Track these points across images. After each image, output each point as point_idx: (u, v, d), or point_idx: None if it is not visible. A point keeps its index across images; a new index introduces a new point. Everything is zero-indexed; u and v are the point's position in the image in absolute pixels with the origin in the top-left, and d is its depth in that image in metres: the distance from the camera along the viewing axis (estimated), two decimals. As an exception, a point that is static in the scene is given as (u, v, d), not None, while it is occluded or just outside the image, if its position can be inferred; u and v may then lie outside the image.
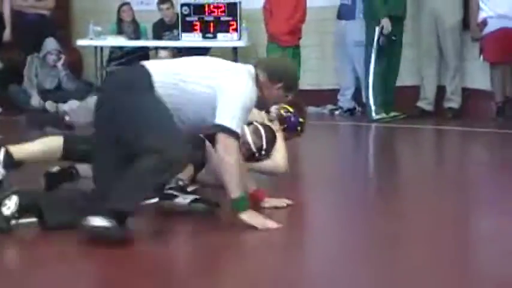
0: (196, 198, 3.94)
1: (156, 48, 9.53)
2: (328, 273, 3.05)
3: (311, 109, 8.42)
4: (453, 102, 8.55)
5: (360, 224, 3.92)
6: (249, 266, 3.17)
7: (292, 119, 4.58)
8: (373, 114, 8.20)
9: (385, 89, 8.25)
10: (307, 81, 8.93)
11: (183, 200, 3.92)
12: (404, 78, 8.74)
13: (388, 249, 3.37)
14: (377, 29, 8.08)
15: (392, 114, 8.39)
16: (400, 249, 3.38)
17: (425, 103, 8.60)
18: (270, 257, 3.29)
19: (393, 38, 8.02)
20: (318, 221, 4.08)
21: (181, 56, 8.94)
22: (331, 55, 9.50)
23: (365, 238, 3.59)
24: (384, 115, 8.20)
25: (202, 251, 3.35)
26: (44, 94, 9.10)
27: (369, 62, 8.19)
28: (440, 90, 8.64)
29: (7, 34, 9.42)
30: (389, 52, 8.17)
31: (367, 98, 8.28)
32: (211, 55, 9.74)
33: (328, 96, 9.15)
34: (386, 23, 8.01)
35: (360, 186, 4.87)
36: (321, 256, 3.32)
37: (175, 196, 3.91)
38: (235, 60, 9.33)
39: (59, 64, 9.20)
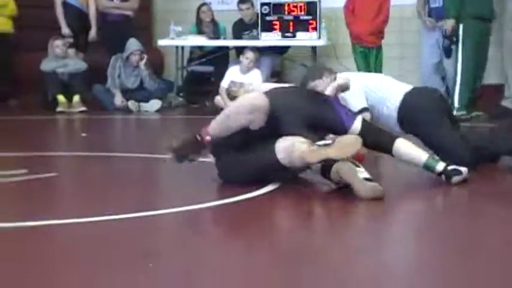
0: None
1: (236, 48, 9.57)
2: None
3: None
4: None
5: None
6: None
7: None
8: (454, 111, 8.07)
9: (469, 88, 8.07)
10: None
11: None
12: (489, 77, 8.55)
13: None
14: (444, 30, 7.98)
15: (474, 113, 8.22)
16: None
17: (510, 102, 8.39)
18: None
19: (453, 39, 7.83)
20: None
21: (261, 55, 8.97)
22: (411, 54, 9.37)
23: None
24: (463, 112, 8.03)
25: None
26: (127, 93, 9.25)
27: (456, 61, 8.05)
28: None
29: (93, 35, 9.62)
30: (475, 52, 8.00)
31: (452, 96, 8.14)
32: (291, 54, 9.75)
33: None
34: (447, 24, 7.87)
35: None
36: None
37: None
38: (314, 59, 9.33)
39: (141, 64, 9.32)
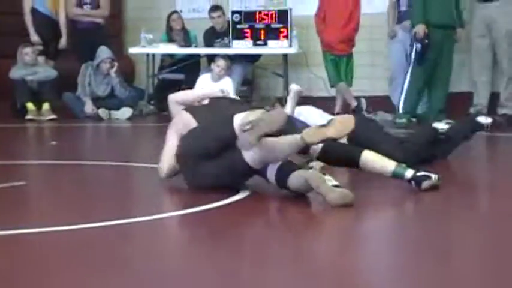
0: None
1: (207, 56, 9.55)
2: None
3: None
4: (507, 108, 8.40)
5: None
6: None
7: None
8: (397, 119, 8.19)
9: (418, 97, 8.20)
10: (359, 88, 8.90)
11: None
12: (460, 85, 8.63)
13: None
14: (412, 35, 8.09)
15: (444, 121, 8.28)
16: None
17: (478, 110, 8.47)
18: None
19: (426, 42, 7.93)
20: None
21: (233, 63, 8.97)
22: (381, 62, 9.43)
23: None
24: (403, 120, 8.11)
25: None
26: (97, 101, 9.19)
27: (408, 69, 8.18)
28: (495, 97, 8.50)
29: (63, 43, 9.54)
30: (434, 60, 8.09)
31: (398, 102, 8.25)
32: (262, 62, 9.75)
33: (379, 102, 9.07)
34: (419, 29, 7.97)
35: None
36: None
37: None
38: (285, 67, 9.33)
39: (112, 72, 9.28)
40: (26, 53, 9.19)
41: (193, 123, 4.50)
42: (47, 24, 9.50)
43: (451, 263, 3.17)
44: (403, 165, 4.49)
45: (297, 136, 4.15)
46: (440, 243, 3.47)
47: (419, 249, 3.36)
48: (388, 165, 4.42)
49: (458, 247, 3.43)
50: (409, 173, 4.40)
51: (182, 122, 4.59)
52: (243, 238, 3.61)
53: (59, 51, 9.60)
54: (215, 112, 4.55)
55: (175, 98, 4.87)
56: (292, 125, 4.49)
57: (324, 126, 4.12)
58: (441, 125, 5.55)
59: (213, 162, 4.32)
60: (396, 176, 4.41)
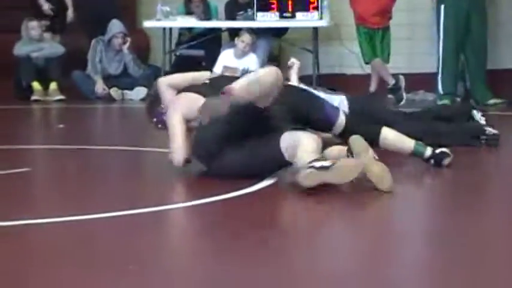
0: None
1: (229, 30, 9.54)
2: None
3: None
4: None
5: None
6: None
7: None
8: (438, 100, 8.18)
9: (454, 73, 8.18)
10: (397, 64, 8.84)
11: None
12: (504, 61, 8.56)
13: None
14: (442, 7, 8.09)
15: (492, 101, 8.22)
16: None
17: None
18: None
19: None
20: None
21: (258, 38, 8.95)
22: (422, 35, 9.35)
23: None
24: (446, 101, 8.08)
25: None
26: (109, 80, 9.22)
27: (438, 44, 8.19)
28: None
29: (70, 15, 9.58)
30: (464, 30, 8.07)
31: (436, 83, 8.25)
32: (289, 36, 9.72)
33: (420, 80, 9.01)
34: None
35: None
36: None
37: None
38: (315, 42, 9.30)
39: (125, 48, 9.30)
40: (32, 27, 9.24)
41: (201, 100, 4.51)
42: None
43: (485, 258, 3.16)
44: (421, 143, 4.75)
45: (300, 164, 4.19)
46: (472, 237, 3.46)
47: (451, 243, 3.35)
48: (407, 142, 4.70)
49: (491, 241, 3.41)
50: (429, 151, 4.71)
51: (188, 104, 4.61)
52: (266, 230, 3.62)
53: (65, 25, 9.64)
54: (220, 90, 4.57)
55: (166, 82, 4.93)
56: (317, 103, 4.64)
57: (324, 168, 4.07)
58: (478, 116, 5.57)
59: (242, 150, 4.39)
60: (416, 154, 4.72)
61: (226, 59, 8.54)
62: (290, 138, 4.31)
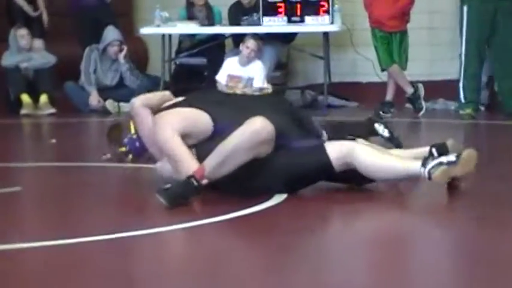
0: None
1: (233, 36, 9.57)
2: None
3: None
4: None
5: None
6: None
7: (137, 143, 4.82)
8: (460, 110, 8.24)
9: (477, 81, 8.20)
10: (416, 71, 8.87)
11: None
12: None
13: None
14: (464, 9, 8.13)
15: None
16: None
17: None
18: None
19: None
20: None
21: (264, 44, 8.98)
22: (443, 39, 9.38)
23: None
24: (469, 111, 8.11)
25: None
26: (104, 92, 9.26)
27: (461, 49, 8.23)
28: None
29: (45, 19, 9.61)
30: (478, 36, 8.09)
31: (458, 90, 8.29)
32: (298, 42, 9.75)
33: (441, 88, 9.04)
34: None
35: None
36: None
37: None
38: (326, 48, 9.32)
39: (121, 57, 9.35)
40: (21, 36, 9.29)
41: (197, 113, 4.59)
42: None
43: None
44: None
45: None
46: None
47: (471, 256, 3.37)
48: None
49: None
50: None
51: (181, 119, 4.59)
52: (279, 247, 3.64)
53: (44, 29, 9.66)
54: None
55: (141, 102, 4.82)
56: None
57: (452, 163, 4.44)
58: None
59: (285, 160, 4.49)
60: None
61: (231, 67, 8.58)
62: (339, 149, 4.49)
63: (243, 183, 4.43)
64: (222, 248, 3.80)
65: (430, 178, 4.43)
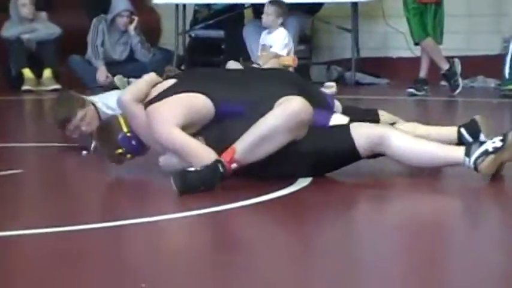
0: None
1: (253, 6, 9.52)
2: None
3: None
4: None
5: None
6: None
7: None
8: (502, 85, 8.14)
9: None
10: (452, 45, 8.79)
11: None
12: None
13: None
14: None
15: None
16: None
17: None
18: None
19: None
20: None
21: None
22: (483, 10, 9.30)
23: None
24: (510, 87, 8.04)
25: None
26: (113, 66, 9.24)
27: None
28: None
29: None
30: None
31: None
32: (324, 13, 9.69)
33: (480, 64, 8.97)
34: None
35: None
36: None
37: None
38: (354, 19, 9.26)
39: (131, 28, 9.31)
40: (23, 5, 9.27)
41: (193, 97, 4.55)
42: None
43: None
44: None
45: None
46: None
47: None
48: None
49: None
50: None
51: (180, 108, 4.49)
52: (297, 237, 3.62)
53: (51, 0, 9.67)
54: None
55: (130, 96, 4.63)
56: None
57: (500, 149, 4.34)
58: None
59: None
60: None
61: (262, 38, 8.47)
62: (368, 136, 4.44)
63: (265, 166, 4.39)
64: (246, 235, 3.78)
65: (476, 169, 4.34)
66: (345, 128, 4.50)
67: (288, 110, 4.33)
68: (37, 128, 7.27)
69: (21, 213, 4.19)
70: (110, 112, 5.35)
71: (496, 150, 4.33)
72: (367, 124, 4.56)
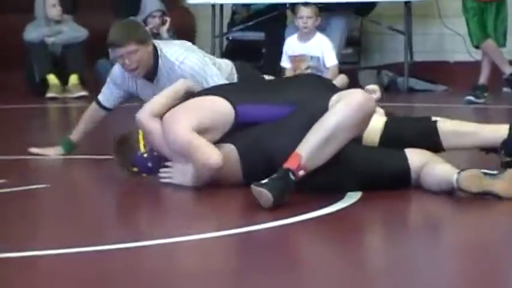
0: None
1: (294, 5, 9.53)
2: None
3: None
4: None
5: None
6: None
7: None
8: None
9: None
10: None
11: None
12: None
13: None
14: None
15: None
16: None
17: None
18: None
19: None
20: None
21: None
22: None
23: None
24: None
25: None
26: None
27: None
28: None
29: None
30: None
31: None
32: (374, 13, 9.68)
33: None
34: None
35: None
36: None
37: None
38: (408, 20, 9.25)
39: (163, 30, 9.35)
40: (52, 5, 9.28)
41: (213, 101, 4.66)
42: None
43: None
44: None
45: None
46: None
47: None
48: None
49: None
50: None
51: (195, 112, 4.64)
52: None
53: (77, 2, 9.72)
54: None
55: (148, 112, 4.81)
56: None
57: (494, 176, 4.36)
58: None
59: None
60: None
61: (290, 47, 8.42)
62: (418, 159, 4.53)
63: (312, 178, 4.38)
64: (292, 256, 3.77)
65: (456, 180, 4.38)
66: (402, 152, 4.56)
67: (353, 104, 4.36)
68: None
69: (41, 232, 4.21)
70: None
71: (491, 175, 4.38)
72: (425, 152, 4.61)
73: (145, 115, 4.81)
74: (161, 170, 4.81)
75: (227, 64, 5.61)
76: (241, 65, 5.77)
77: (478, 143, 4.79)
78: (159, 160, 4.83)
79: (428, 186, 4.51)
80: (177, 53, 5.34)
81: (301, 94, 4.65)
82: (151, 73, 5.32)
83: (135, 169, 4.91)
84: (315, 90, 4.64)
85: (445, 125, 4.76)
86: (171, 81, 5.11)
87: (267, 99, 4.66)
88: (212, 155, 4.56)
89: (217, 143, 4.62)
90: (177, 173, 4.75)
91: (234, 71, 5.58)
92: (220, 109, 4.66)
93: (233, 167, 4.62)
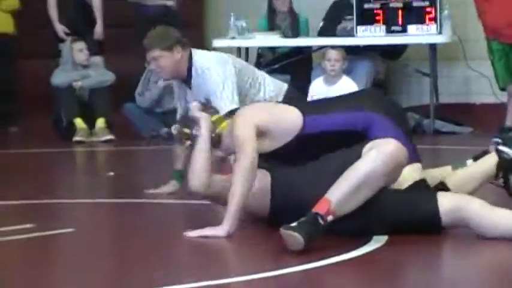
0: None
1: (321, 48, 9.58)
2: None
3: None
4: None
5: None
6: None
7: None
8: None
9: None
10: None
11: None
12: None
13: None
14: None
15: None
16: None
17: None
18: None
19: None
20: None
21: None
22: None
23: None
24: None
25: None
26: (169, 116, 9.28)
27: None
28: None
29: (98, 32, 9.72)
30: None
31: None
32: (408, 57, 9.70)
33: None
34: None
35: None
36: None
37: None
38: (433, 62, 9.27)
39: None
40: (80, 50, 9.35)
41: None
42: (78, 9, 9.75)
43: None
44: None
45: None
46: None
47: None
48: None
49: None
50: None
51: (265, 113, 4.80)
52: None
53: (101, 43, 9.80)
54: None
55: (199, 180, 4.88)
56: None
57: None
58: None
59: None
60: None
61: (316, 90, 8.44)
62: (455, 201, 4.54)
63: (340, 222, 4.42)
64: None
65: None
66: (432, 196, 4.58)
67: (386, 153, 4.43)
68: (89, 183, 7.33)
69: (73, 278, 4.23)
70: None
71: None
72: (456, 195, 4.66)
73: (197, 187, 4.89)
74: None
75: (277, 84, 6.09)
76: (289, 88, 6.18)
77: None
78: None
79: (483, 231, 4.51)
80: (206, 61, 5.77)
81: (364, 101, 4.84)
82: (186, 78, 5.77)
83: (187, 130, 5.02)
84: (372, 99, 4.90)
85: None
86: (200, 87, 5.60)
87: (334, 108, 4.81)
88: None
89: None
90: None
91: (283, 93, 5.99)
92: (289, 118, 4.79)
93: (262, 199, 4.74)
